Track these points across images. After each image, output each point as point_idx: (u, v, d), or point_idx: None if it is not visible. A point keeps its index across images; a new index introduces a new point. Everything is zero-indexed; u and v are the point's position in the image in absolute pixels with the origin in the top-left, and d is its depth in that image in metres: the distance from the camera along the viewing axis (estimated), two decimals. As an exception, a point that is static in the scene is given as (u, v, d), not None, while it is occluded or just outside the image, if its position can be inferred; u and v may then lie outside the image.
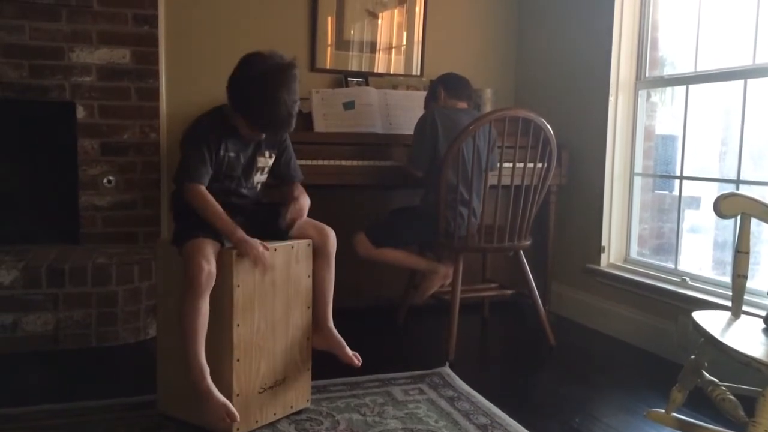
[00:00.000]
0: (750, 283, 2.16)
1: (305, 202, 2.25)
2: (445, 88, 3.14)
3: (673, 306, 2.96)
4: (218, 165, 2.12)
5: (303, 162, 3.04)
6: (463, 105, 3.15)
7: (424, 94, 3.43)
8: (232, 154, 2.15)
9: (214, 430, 2.02)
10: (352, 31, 3.81)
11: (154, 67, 3.34)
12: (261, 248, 2.05)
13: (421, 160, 3.05)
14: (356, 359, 2.31)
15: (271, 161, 2.27)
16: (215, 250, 2.03)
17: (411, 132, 3.12)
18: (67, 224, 3.32)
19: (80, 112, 3.25)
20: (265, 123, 2.11)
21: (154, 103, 3.36)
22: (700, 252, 3.36)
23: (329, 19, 3.75)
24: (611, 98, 3.35)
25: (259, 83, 2.07)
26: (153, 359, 2.28)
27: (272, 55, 2.10)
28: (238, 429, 2.06)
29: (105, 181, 3.31)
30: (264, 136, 2.21)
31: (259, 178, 2.26)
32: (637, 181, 3.39)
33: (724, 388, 2.00)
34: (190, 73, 3.38)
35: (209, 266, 1.98)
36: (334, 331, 2.33)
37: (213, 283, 1.99)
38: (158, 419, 2.19)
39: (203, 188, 2.09)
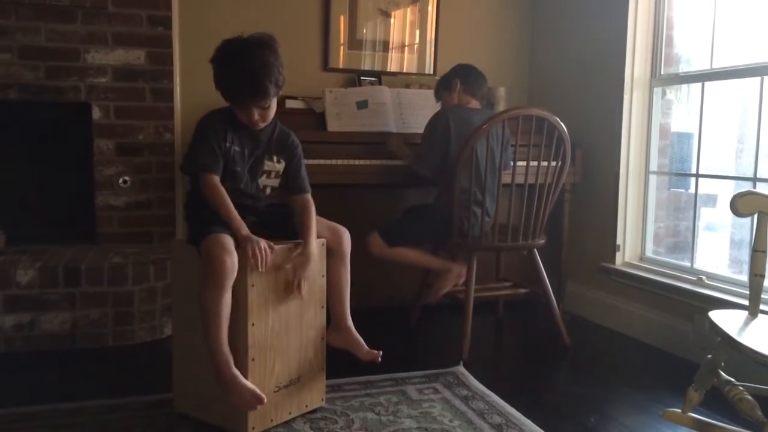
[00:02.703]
0: (767, 282, 2.14)
1: (310, 255, 2.17)
2: (463, 81, 3.12)
3: (689, 305, 2.94)
4: (224, 157, 2.12)
5: (316, 162, 3.06)
6: (475, 104, 3.14)
7: (438, 81, 3.38)
8: (237, 148, 2.14)
9: (248, 411, 2.02)
10: (364, 30, 3.81)
11: (168, 67, 3.37)
12: (260, 247, 2.02)
13: (429, 159, 3.03)
14: (376, 357, 2.29)
15: (279, 167, 2.25)
16: (234, 245, 2.03)
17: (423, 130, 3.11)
18: (83, 224, 3.35)
19: (96, 113, 3.28)
20: (234, 90, 2.08)
21: (168, 104, 3.38)
22: (716, 250, 3.34)
23: (342, 18, 3.75)
24: (626, 96, 3.33)
25: (226, 53, 2.09)
26: (169, 358, 2.29)
27: (249, 35, 2.11)
28: (253, 428, 2.07)
29: (120, 181, 3.34)
30: (273, 137, 2.21)
31: (266, 181, 2.25)
32: (653, 179, 3.37)
33: (741, 387, 1.98)
34: (204, 73, 3.34)
35: (231, 259, 1.98)
36: (353, 329, 2.33)
37: (235, 275, 1.99)
38: (174, 418, 2.20)
39: (217, 180, 2.10)
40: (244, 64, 2.05)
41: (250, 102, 2.09)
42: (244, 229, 2.06)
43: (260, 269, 2.03)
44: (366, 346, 2.31)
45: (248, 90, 2.06)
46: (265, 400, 1.98)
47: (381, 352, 2.30)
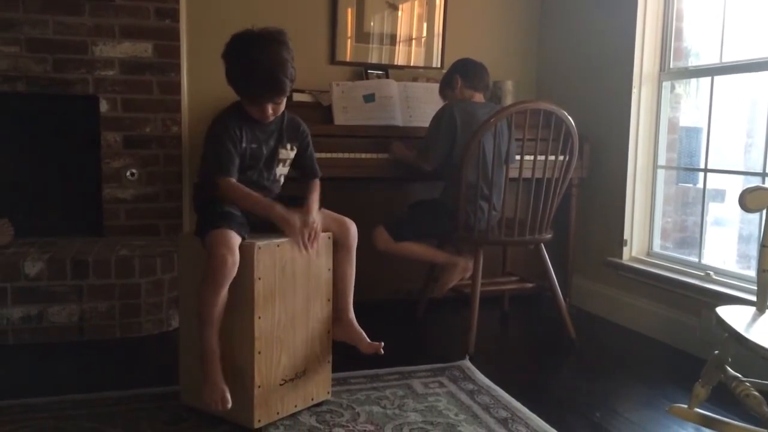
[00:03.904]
0: (776, 278, 2.13)
1: (314, 217, 2.20)
2: (463, 77, 3.11)
3: (696, 300, 2.93)
4: (241, 157, 2.15)
5: (323, 155, 3.05)
6: (479, 97, 3.12)
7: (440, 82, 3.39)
8: (254, 146, 2.17)
9: (209, 408, 2.03)
10: (372, 23, 3.80)
11: (175, 60, 3.37)
12: (300, 226, 2.09)
13: (433, 154, 3.02)
14: (378, 348, 2.31)
15: (292, 153, 2.29)
16: (238, 241, 2.05)
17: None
18: (90, 217, 3.37)
19: (103, 106, 3.29)
20: (250, 87, 2.10)
21: (175, 97, 3.39)
22: (724, 245, 3.32)
23: (349, 11, 3.74)
24: (634, 90, 3.31)
25: (239, 50, 2.10)
26: (176, 350, 2.30)
27: (259, 29, 2.12)
28: (259, 420, 2.08)
29: (128, 174, 3.35)
30: (284, 126, 2.23)
31: (281, 170, 2.28)
32: (661, 173, 3.35)
33: (748, 383, 1.98)
34: (212, 66, 3.36)
35: (233, 257, 1.99)
36: (355, 322, 2.34)
37: (235, 274, 2.01)
38: (181, 410, 2.21)
39: (234, 180, 2.12)
40: (259, 61, 2.06)
41: (266, 99, 2.11)
42: (278, 207, 2.09)
43: (309, 246, 2.11)
44: (367, 339, 2.33)
45: (265, 88, 2.09)
46: (229, 407, 2.00)
47: (382, 344, 2.30)
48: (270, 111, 2.14)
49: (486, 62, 3.20)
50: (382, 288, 3.52)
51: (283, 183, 2.33)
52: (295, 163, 2.32)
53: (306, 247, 2.12)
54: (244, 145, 2.15)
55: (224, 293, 2.01)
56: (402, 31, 3.87)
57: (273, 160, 2.24)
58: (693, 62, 3.28)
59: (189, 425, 2.12)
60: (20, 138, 3.29)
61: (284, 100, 2.17)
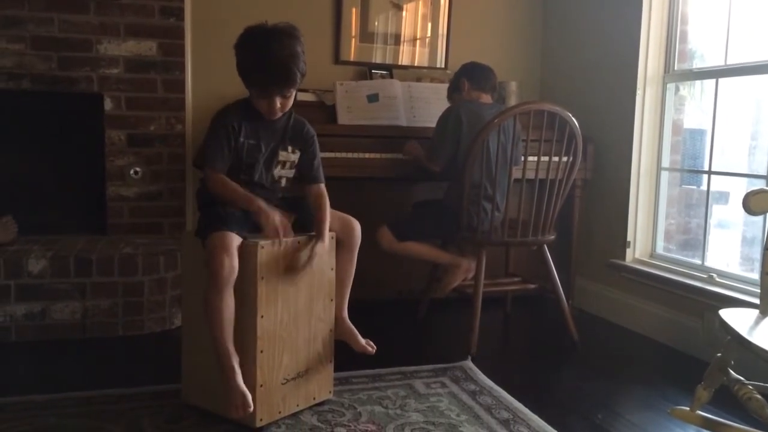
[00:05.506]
0: (779, 281, 2.12)
1: (321, 250, 2.17)
2: (469, 79, 3.11)
3: (699, 302, 2.92)
4: (238, 151, 2.14)
5: (327, 155, 3.05)
6: (486, 98, 3.12)
7: (448, 86, 3.41)
8: (252, 141, 2.15)
9: (230, 414, 2.02)
10: (376, 23, 3.80)
11: (180, 59, 3.37)
12: (278, 219, 2.08)
13: (440, 155, 3.03)
14: (369, 347, 2.33)
15: (294, 156, 2.26)
16: (238, 244, 2.04)
17: (435, 125, 3.10)
18: (94, 215, 3.38)
19: (108, 104, 3.29)
20: (261, 77, 2.09)
21: (180, 95, 3.39)
22: (727, 248, 3.31)
23: (353, 10, 3.74)
24: (639, 91, 3.31)
25: (253, 40, 2.11)
26: (178, 349, 2.30)
27: (273, 23, 2.13)
28: (261, 419, 2.08)
29: (132, 172, 3.35)
30: (288, 127, 2.22)
31: (281, 172, 2.26)
32: (664, 175, 3.35)
33: (750, 386, 1.98)
34: (216, 64, 3.40)
35: (231, 261, 1.99)
36: (347, 321, 2.35)
37: (235, 277, 2.00)
38: (182, 408, 2.21)
39: (219, 174, 2.12)
40: (272, 52, 2.07)
41: (276, 90, 2.10)
42: (257, 201, 2.08)
43: (281, 241, 2.07)
44: (360, 338, 2.33)
45: (277, 78, 2.08)
46: (250, 411, 1.98)
47: (374, 349, 2.32)
48: (278, 105, 2.12)
49: (490, 63, 3.20)
50: (385, 288, 3.52)
51: (286, 186, 2.30)
52: (297, 166, 2.30)
53: (279, 242, 2.08)
54: (242, 139, 2.13)
55: (229, 296, 2.00)
56: (406, 31, 3.87)
57: (272, 160, 2.22)
58: (697, 64, 3.28)
59: (190, 423, 2.12)
60: (24, 135, 3.30)
61: (292, 96, 2.15)
